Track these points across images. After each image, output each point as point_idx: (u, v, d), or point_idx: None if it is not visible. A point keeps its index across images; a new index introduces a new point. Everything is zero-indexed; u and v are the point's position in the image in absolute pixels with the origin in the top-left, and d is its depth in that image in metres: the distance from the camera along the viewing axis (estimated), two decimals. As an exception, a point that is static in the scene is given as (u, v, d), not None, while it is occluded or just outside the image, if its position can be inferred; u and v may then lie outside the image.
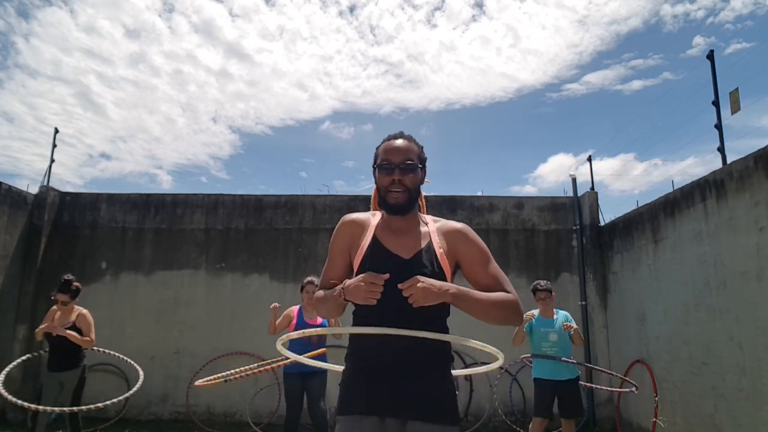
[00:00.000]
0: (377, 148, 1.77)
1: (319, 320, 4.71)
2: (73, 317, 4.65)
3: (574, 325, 4.64)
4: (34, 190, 7.51)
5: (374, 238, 1.70)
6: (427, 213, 1.90)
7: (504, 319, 1.62)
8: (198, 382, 3.90)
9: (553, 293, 4.85)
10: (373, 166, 1.76)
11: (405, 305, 1.51)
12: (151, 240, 7.56)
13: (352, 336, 1.70)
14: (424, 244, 1.68)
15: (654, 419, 5.49)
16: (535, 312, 4.81)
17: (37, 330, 4.66)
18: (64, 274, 4.80)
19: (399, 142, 1.72)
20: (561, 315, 4.84)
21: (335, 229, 1.79)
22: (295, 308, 4.80)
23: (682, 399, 5.26)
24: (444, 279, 1.61)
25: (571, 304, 7.04)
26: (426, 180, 1.80)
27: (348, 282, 1.58)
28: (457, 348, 7.31)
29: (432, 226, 1.75)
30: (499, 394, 6.86)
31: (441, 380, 1.62)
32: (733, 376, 4.46)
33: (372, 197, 1.90)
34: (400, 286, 1.50)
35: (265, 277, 7.39)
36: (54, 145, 7.87)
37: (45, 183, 7.59)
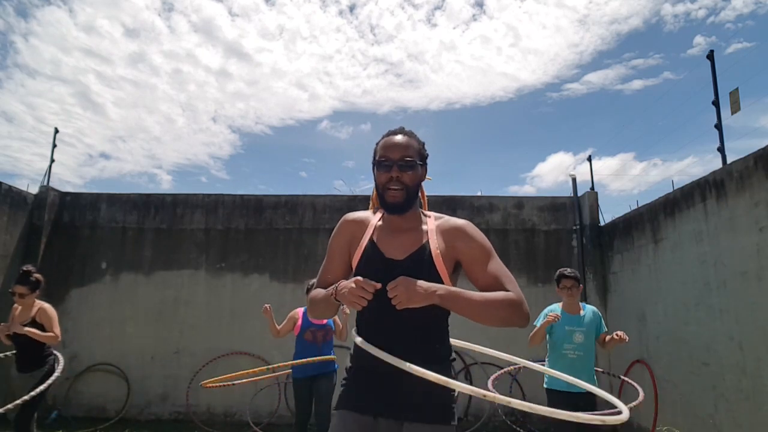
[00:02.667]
0: (377, 144, 1.72)
1: (325, 321, 4.49)
2: (33, 312, 4.23)
3: (626, 337, 3.74)
4: (34, 190, 7.52)
5: (371, 240, 1.68)
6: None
7: (504, 320, 1.52)
8: (205, 383, 3.88)
9: (581, 284, 4.07)
10: (372, 164, 1.71)
11: (401, 310, 1.47)
12: (151, 240, 7.56)
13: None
14: (420, 244, 1.64)
15: (653, 423, 5.49)
16: (558, 309, 4.00)
17: None
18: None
19: (398, 138, 1.67)
20: (588, 310, 4.03)
21: (336, 228, 1.78)
22: (300, 310, 4.65)
23: (682, 399, 5.26)
24: (439, 280, 1.55)
25: (571, 304, 7.04)
26: (427, 177, 1.76)
27: (342, 283, 1.55)
28: (456, 348, 7.30)
29: (432, 224, 1.70)
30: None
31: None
32: (733, 376, 4.46)
33: (372, 195, 1.86)
34: (388, 287, 1.47)
35: (265, 277, 7.39)
36: (54, 145, 7.89)
37: (45, 183, 7.59)
